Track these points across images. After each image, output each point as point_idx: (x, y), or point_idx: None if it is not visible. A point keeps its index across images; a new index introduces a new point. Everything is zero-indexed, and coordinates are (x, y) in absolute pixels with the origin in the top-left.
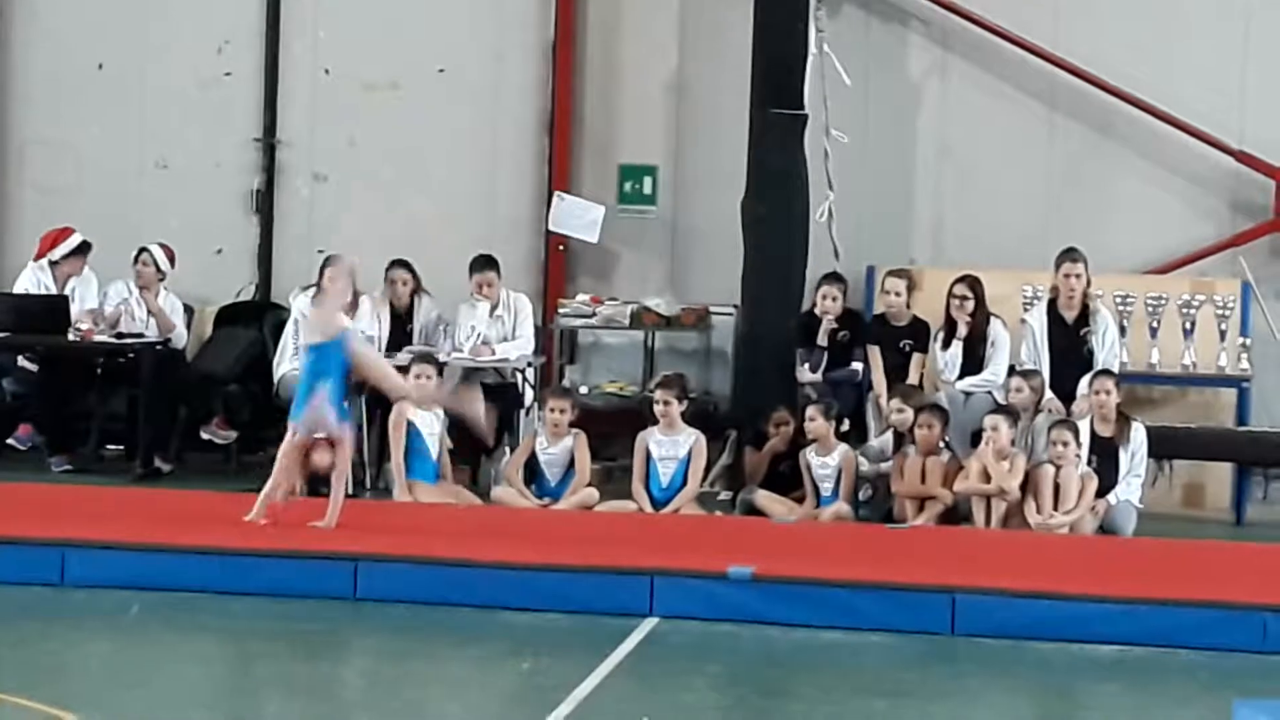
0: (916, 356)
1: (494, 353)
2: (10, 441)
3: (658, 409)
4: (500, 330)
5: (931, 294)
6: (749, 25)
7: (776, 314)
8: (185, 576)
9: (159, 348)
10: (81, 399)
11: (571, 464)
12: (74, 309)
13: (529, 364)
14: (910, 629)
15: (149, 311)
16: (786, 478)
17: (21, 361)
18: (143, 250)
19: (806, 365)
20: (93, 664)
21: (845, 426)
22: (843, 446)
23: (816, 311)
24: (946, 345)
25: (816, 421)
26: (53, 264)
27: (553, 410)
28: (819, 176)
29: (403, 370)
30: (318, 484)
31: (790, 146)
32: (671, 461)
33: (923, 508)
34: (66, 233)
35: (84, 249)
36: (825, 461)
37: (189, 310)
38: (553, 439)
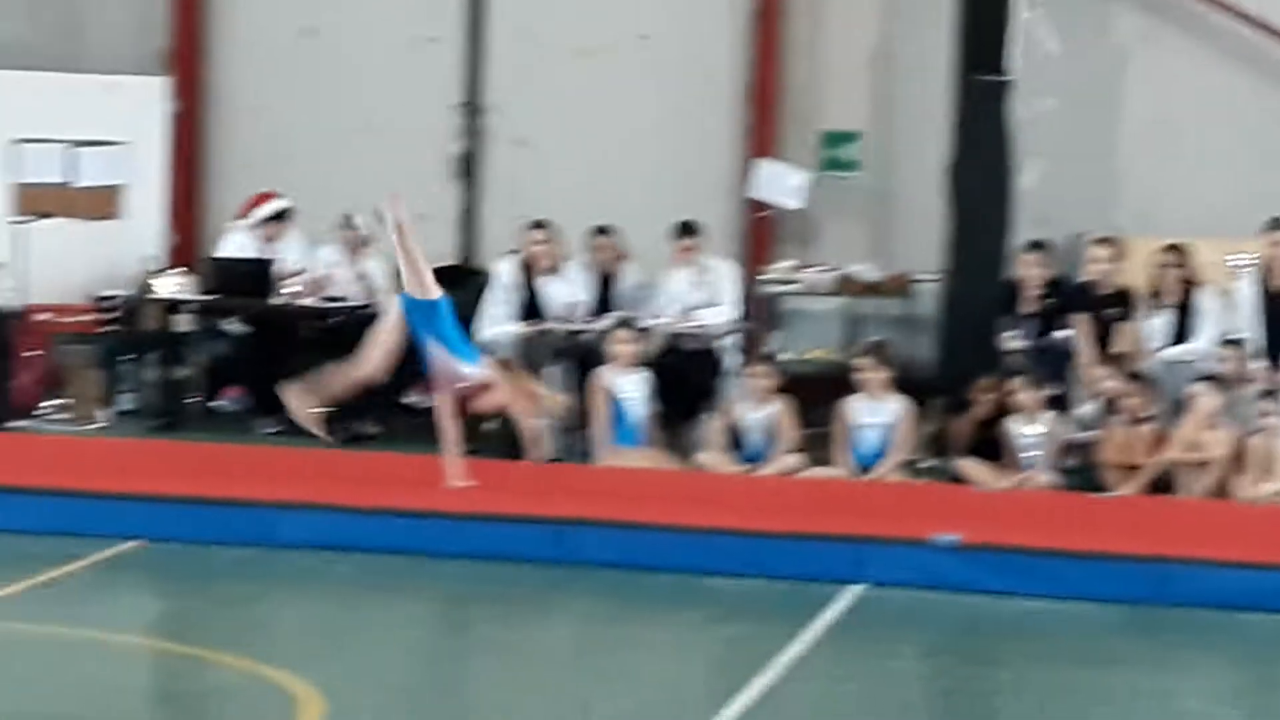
0: (1123, 325)
1: (696, 319)
2: (218, 404)
3: (861, 376)
4: (703, 296)
5: (1138, 262)
6: None
7: (981, 281)
8: (393, 539)
9: (364, 312)
10: (288, 361)
11: (774, 431)
12: (279, 271)
13: (731, 330)
14: (1116, 598)
15: (355, 275)
16: (991, 445)
17: (228, 325)
18: (349, 216)
19: (1011, 333)
20: (302, 625)
21: (1051, 394)
22: (1048, 415)
23: (1022, 279)
24: (1153, 314)
25: (1023, 391)
26: (258, 227)
27: (754, 376)
28: (1024, 143)
29: (604, 336)
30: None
31: (995, 113)
32: (875, 429)
33: (1129, 477)
34: (268, 197)
35: (284, 216)
36: (1030, 430)
37: (394, 275)
38: (755, 405)
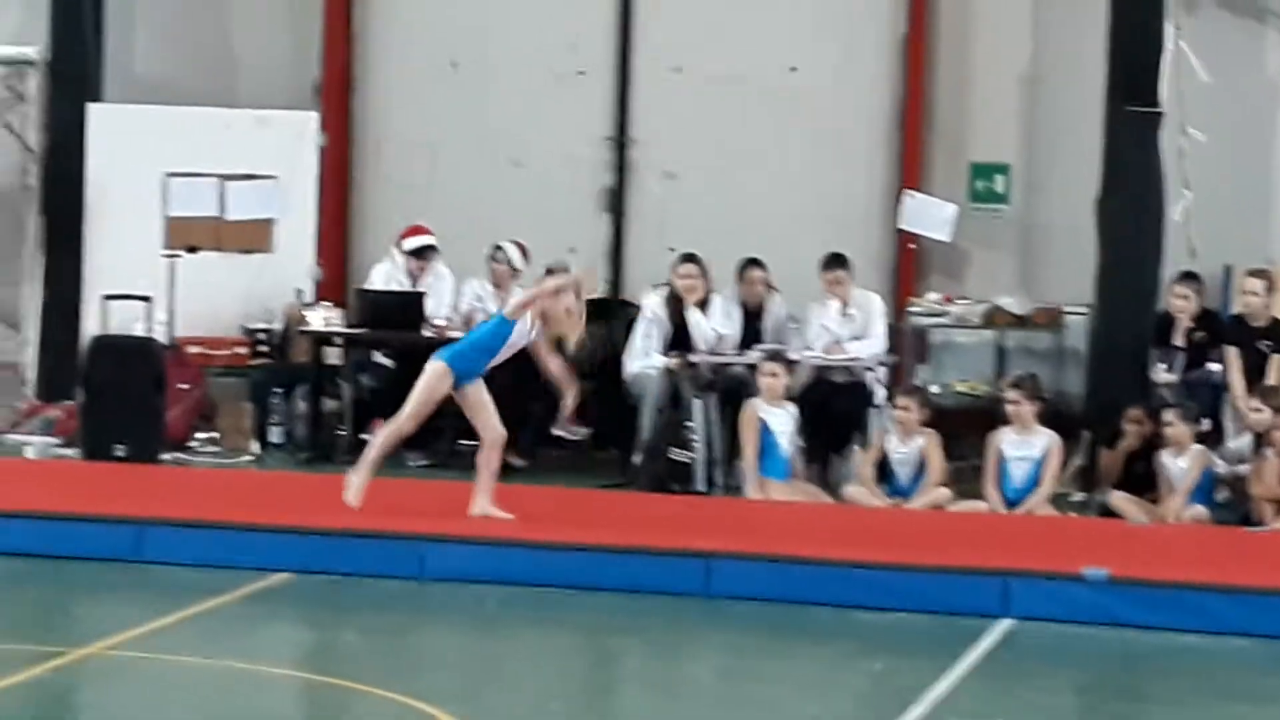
0: (1276, 358)
1: (845, 351)
2: (366, 436)
3: (1010, 409)
4: (851, 329)
5: None
6: (1104, 20)
7: (1131, 314)
8: (541, 571)
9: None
10: None
11: (922, 464)
12: (429, 305)
13: (880, 363)
14: (1268, 633)
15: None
16: (1141, 479)
17: (377, 357)
18: (498, 247)
19: (1162, 366)
20: (451, 657)
21: (1204, 428)
22: (1198, 448)
23: (1172, 311)
24: None
25: (1175, 425)
26: (409, 259)
27: (902, 409)
28: (1175, 175)
29: (752, 369)
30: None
31: (1146, 144)
32: (1025, 462)
33: None
34: (420, 230)
35: (428, 252)
36: (1181, 464)
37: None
38: (903, 439)
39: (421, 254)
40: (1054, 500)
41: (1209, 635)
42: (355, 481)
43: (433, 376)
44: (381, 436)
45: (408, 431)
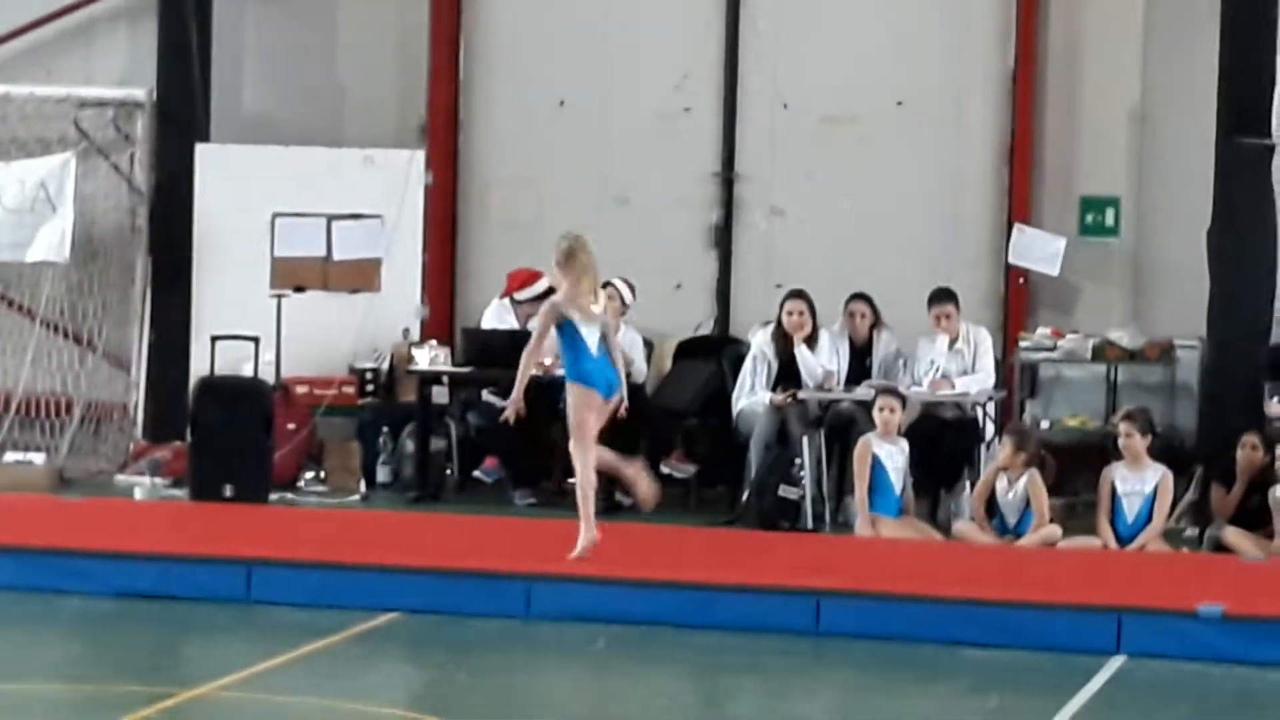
0: None
1: (954, 387)
2: (477, 475)
3: (1121, 441)
4: (960, 364)
5: None
6: (1214, 53)
7: (1243, 347)
8: (651, 610)
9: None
10: (545, 433)
11: (1029, 500)
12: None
13: (989, 398)
14: None
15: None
16: (1255, 514)
17: (486, 396)
18: (606, 284)
19: (1275, 399)
20: (560, 697)
21: None
22: None
23: None
24: None
25: None
26: (516, 303)
27: (1009, 446)
28: None
29: (866, 405)
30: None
31: (1258, 177)
32: (1137, 497)
33: None
34: (536, 276)
35: (549, 295)
36: None
37: (649, 344)
38: (1011, 475)
39: (542, 298)
40: (1166, 536)
41: None
42: (584, 533)
43: (569, 398)
44: (580, 488)
45: (585, 456)
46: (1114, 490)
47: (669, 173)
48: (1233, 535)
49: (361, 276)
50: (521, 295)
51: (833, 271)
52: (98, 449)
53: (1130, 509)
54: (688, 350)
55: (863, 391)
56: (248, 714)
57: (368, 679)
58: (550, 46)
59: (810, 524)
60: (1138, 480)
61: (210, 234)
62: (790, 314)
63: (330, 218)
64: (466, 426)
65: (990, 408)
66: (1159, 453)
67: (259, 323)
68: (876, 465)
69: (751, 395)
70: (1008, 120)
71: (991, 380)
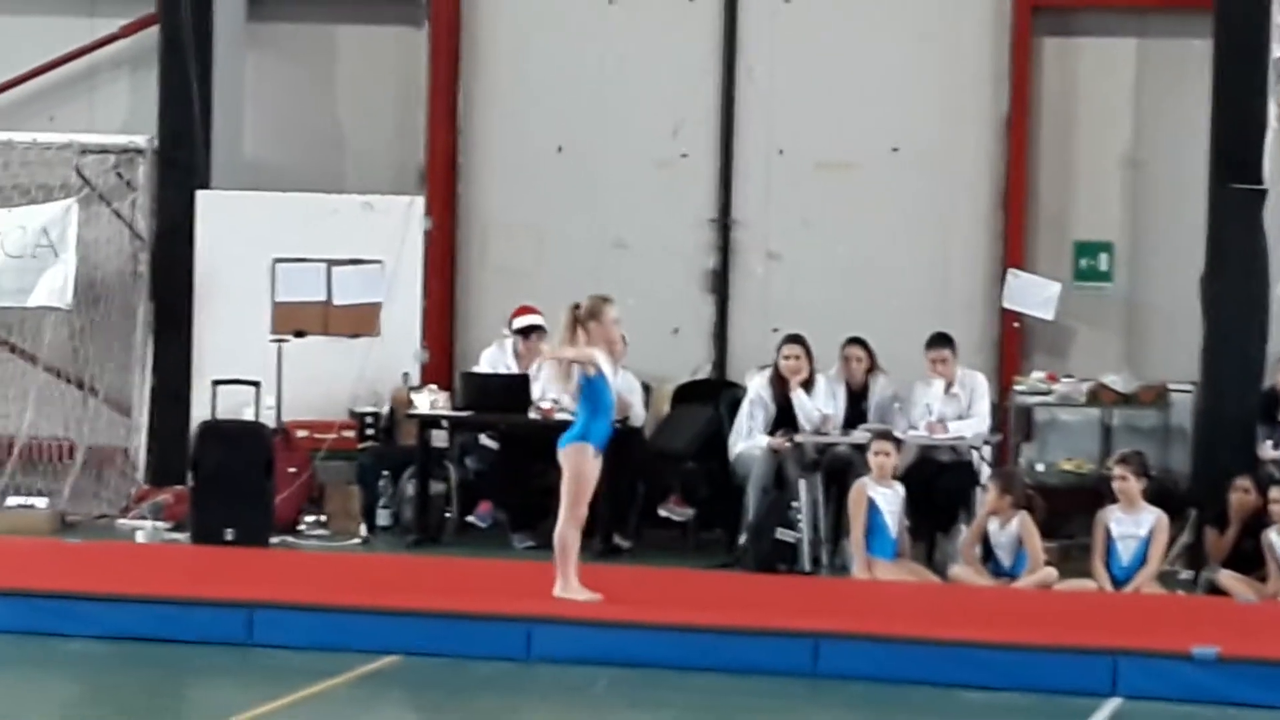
0: None
1: (949, 431)
2: (472, 519)
3: (1116, 484)
4: (956, 408)
5: None
6: (1206, 98)
7: (1237, 391)
8: (649, 652)
9: (617, 426)
10: (542, 476)
11: (1022, 544)
12: (535, 389)
13: (985, 442)
14: None
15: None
16: (1248, 557)
17: (483, 440)
18: None
19: (1269, 443)
20: None
21: None
22: None
23: (1278, 388)
24: None
25: None
26: (516, 342)
27: (998, 491)
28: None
29: (862, 449)
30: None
31: (1250, 222)
32: (1132, 540)
33: None
34: (529, 310)
35: (533, 332)
36: None
37: (646, 388)
38: (1003, 518)
39: (528, 334)
40: (1161, 578)
41: None
42: (569, 587)
43: (577, 457)
44: (560, 541)
45: (582, 519)
46: (1109, 533)
47: (666, 218)
48: (1227, 578)
49: (361, 321)
50: (517, 324)
51: (829, 316)
52: (100, 493)
53: (1125, 551)
54: (685, 394)
55: (859, 435)
56: None
57: None
58: (548, 93)
59: (807, 566)
60: (1133, 523)
61: (211, 279)
62: (787, 358)
63: (330, 263)
64: (465, 470)
65: (986, 451)
66: (1153, 496)
67: (259, 367)
68: (872, 508)
69: (749, 439)
70: (1002, 166)
71: (987, 424)
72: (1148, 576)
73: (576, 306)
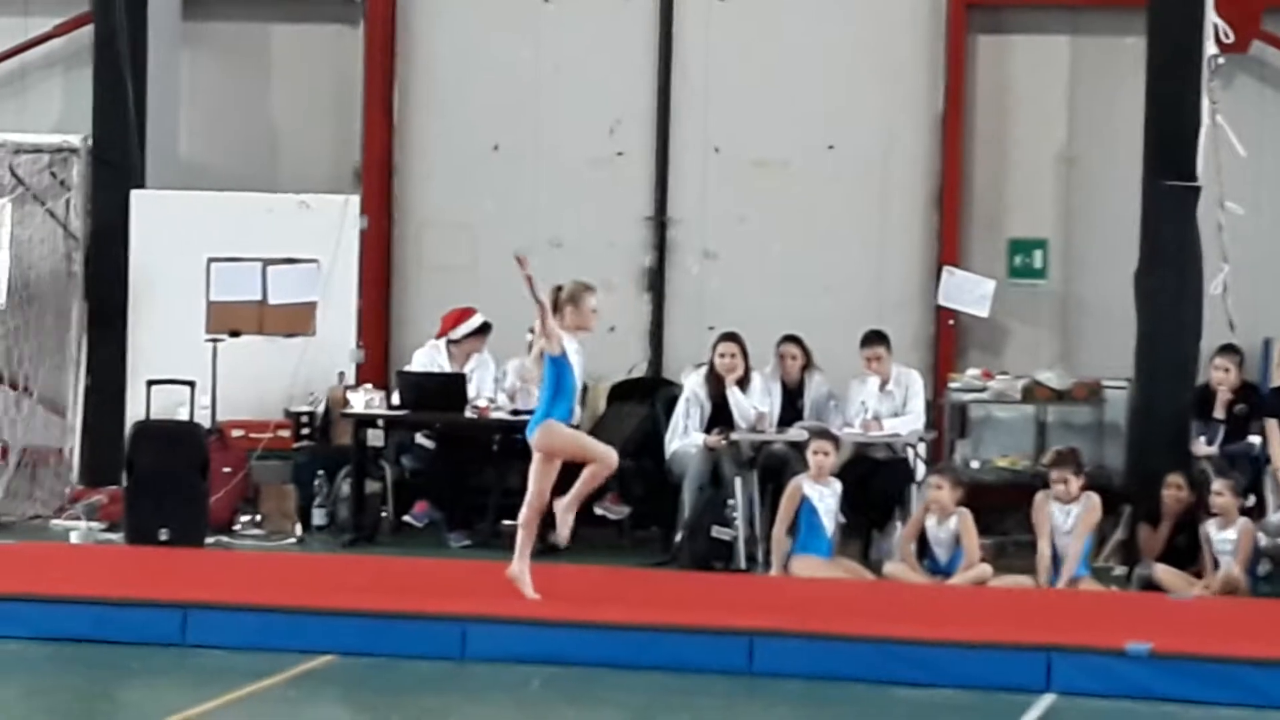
0: None
1: (884, 428)
2: (408, 519)
3: (1057, 489)
4: (891, 405)
5: None
6: (1140, 95)
7: (1171, 387)
8: (583, 651)
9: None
10: (479, 475)
11: (959, 541)
12: (471, 388)
13: (920, 439)
14: None
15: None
16: (1183, 552)
17: (419, 439)
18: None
19: (1202, 439)
20: None
21: (1250, 502)
22: (1243, 520)
23: (1212, 384)
24: None
25: (1224, 496)
26: (451, 343)
27: (934, 489)
28: (1213, 248)
29: (798, 446)
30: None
31: (1184, 218)
32: (1065, 535)
33: None
34: (469, 313)
35: (485, 330)
36: (1227, 536)
37: (583, 387)
38: (939, 515)
39: (478, 333)
40: (1096, 574)
41: (1252, 709)
42: (519, 572)
43: (546, 435)
44: (524, 521)
45: (546, 505)
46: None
47: (602, 217)
48: (1162, 572)
49: (297, 320)
50: (456, 334)
51: (764, 314)
52: (34, 494)
53: (1059, 546)
54: (621, 393)
55: (795, 433)
56: None
57: None
58: (484, 92)
59: (744, 564)
60: (1068, 518)
61: (146, 279)
62: (723, 356)
63: (265, 262)
64: (401, 469)
65: (921, 448)
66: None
67: (195, 367)
68: (808, 507)
69: (684, 437)
70: (937, 164)
71: (922, 421)
72: (1071, 563)
73: (559, 288)
